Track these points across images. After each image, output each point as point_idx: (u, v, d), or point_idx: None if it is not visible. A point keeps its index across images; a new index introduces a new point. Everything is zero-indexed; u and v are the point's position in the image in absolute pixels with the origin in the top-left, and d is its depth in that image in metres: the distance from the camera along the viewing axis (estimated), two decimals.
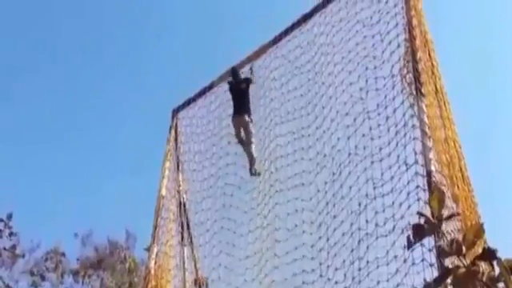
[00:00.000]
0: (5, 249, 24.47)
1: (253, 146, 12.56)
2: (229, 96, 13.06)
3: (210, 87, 13.58)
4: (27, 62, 37.49)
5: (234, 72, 13.11)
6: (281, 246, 10.94)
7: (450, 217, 7.16)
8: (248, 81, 12.91)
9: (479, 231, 6.16)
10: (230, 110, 12.99)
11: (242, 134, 12.71)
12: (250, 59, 13.02)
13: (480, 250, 6.42)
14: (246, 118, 12.73)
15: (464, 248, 6.11)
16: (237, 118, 12.78)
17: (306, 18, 12.05)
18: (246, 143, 12.65)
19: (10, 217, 24.49)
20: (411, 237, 6.54)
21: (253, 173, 12.39)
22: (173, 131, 13.90)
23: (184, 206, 13.17)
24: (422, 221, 6.87)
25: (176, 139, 13.87)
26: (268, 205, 11.48)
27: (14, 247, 24.87)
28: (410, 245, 6.71)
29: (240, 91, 12.93)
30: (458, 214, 8.11)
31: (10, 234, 24.38)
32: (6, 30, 37.20)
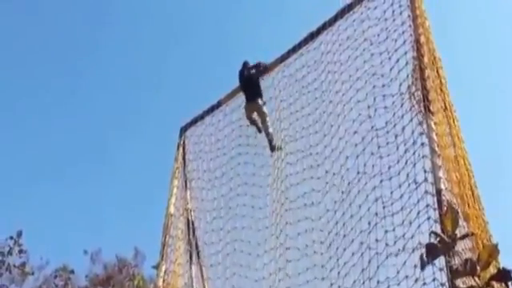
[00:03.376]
0: (15, 266, 24.40)
1: (268, 125, 12.46)
2: (238, 116, 13.00)
3: (218, 105, 13.46)
4: (34, 97, 37.51)
5: (244, 63, 13.13)
6: (292, 266, 10.72)
7: (464, 236, 7.02)
8: (258, 67, 12.87)
9: (494, 251, 6.01)
10: (239, 130, 12.92)
11: (255, 116, 12.66)
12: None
13: (493, 270, 6.26)
14: (259, 101, 12.67)
15: (478, 268, 5.96)
16: (249, 105, 12.75)
17: (313, 36, 11.94)
18: (261, 122, 12.59)
19: (19, 234, 24.47)
20: (424, 256, 6.39)
21: (273, 149, 12.28)
22: (181, 149, 13.76)
23: (192, 224, 13.00)
24: (434, 239, 6.70)
25: (184, 157, 13.72)
26: (279, 224, 11.28)
27: (23, 265, 24.83)
28: (423, 264, 6.56)
29: (250, 79, 12.89)
30: (473, 234, 7.92)
31: (20, 252, 24.35)
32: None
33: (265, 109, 12.63)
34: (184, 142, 13.85)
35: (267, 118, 12.51)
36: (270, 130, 12.41)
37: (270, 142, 12.36)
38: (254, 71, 12.90)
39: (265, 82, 12.82)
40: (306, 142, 11.42)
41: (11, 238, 24.26)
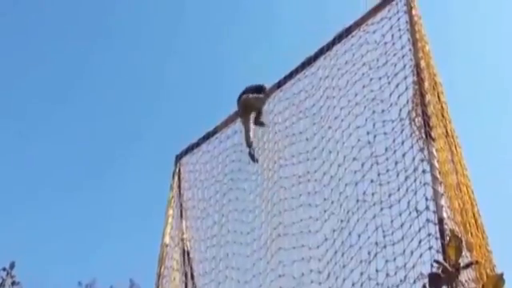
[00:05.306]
0: None
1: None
2: (233, 142, 12.95)
3: (214, 132, 13.34)
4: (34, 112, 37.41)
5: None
6: None
7: (468, 265, 6.86)
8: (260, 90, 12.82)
9: (498, 282, 5.85)
10: (234, 156, 12.79)
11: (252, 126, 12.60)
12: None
13: None
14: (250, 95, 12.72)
15: None
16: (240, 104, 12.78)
17: (311, 60, 11.85)
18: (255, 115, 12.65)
19: (12, 266, 24.22)
20: (427, 286, 6.22)
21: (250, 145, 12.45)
22: (176, 177, 13.62)
23: (188, 254, 12.83)
24: (436, 269, 6.55)
25: (179, 186, 13.58)
26: (270, 249, 11.09)
27: None
28: None
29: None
30: (477, 263, 7.77)
31: (13, 284, 24.04)
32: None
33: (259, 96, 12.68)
34: (179, 170, 13.72)
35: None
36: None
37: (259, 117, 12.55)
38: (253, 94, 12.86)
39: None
40: (303, 168, 11.23)
41: (4, 269, 23.97)
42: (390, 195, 9.28)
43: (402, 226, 8.81)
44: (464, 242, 7.92)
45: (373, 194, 9.59)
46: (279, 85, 12.41)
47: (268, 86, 12.72)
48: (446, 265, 6.19)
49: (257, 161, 12.32)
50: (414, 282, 8.26)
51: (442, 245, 7.83)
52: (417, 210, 8.63)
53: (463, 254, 7.60)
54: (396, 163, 9.40)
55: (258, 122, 12.59)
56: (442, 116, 9.76)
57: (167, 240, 12.65)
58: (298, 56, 12.11)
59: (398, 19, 10.46)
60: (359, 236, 9.48)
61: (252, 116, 12.63)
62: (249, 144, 12.52)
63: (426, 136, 9.03)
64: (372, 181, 9.71)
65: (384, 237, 9.02)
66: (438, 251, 7.90)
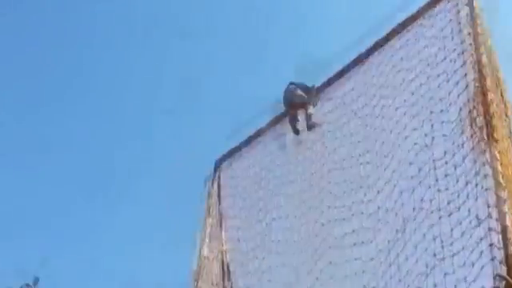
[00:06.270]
0: None
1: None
2: (278, 144, 12.95)
3: (257, 135, 13.36)
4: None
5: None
6: None
7: None
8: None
9: None
10: (279, 160, 12.82)
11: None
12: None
13: None
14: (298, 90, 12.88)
15: None
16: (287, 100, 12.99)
17: (362, 57, 11.86)
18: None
19: (36, 282, 24.57)
20: None
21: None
22: (215, 184, 13.62)
23: (228, 267, 12.85)
24: (499, 283, 6.60)
25: (219, 193, 13.59)
26: (319, 262, 10.98)
27: None
28: None
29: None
30: None
31: None
32: None
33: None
34: (219, 177, 13.75)
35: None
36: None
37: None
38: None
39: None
40: (355, 174, 11.08)
41: (27, 285, 24.34)
42: (449, 202, 9.07)
43: (462, 235, 8.59)
44: None
45: (430, 201, 9.37)
46: (329, 83, 12.38)
47: (316, 85, 12.81)
48: (510, 280, 6.21)
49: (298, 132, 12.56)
50: None
51: (506, 256, 7.77)
52: (478, 218, 8.47)
53: None
54: (455, 167, 9.22)
55: (310, 125, 12.59)
56: (506, 115, 9.69)
57: (205, 252, 12.62)
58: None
59: (458, 12, 10.32)
60: (416, 247, 9.29)
61: (300, 113, 12.72)
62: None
63: (488, 137, 8.89)
64: (429, 187, 9.51)
65: (442, 247, 8.82)
66: (501, 262, 7.78)
